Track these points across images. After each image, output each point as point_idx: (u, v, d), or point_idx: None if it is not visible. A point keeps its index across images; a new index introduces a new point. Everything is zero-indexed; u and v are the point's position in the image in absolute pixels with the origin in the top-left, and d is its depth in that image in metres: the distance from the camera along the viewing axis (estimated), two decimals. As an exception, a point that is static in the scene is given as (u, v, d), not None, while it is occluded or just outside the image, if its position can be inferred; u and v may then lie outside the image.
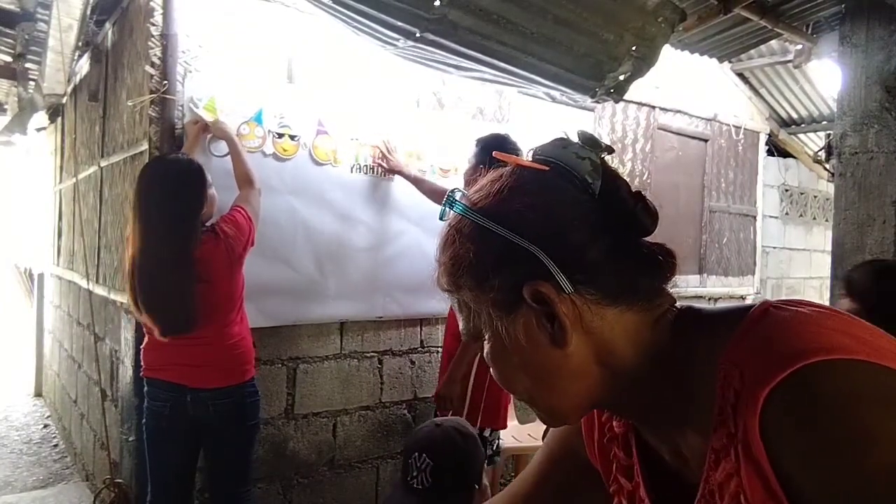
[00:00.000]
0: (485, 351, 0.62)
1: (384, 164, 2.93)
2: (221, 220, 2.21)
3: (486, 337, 0.62)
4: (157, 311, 2.07)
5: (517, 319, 0.58)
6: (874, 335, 0.51)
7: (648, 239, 0.61)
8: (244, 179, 2.34)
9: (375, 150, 2.93)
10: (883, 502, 0.44)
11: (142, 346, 2.24)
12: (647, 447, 0.66)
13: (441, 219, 0.63)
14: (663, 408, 0.59)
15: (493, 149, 2.58)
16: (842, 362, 0.47)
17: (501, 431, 2.72)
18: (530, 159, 0.62)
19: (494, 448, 2.66)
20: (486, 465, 2.64)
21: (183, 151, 2.35)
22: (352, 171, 2.88)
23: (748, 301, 4.97)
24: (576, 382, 0.59)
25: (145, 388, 2.21)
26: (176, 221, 2.07)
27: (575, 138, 0.62)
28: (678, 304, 0.62)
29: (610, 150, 0.62)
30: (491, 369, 0.63)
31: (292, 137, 2.71)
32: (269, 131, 2.65)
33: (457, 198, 0.61)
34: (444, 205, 0.62)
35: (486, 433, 2.58)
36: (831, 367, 0.47)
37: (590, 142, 0.61)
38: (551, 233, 0.57)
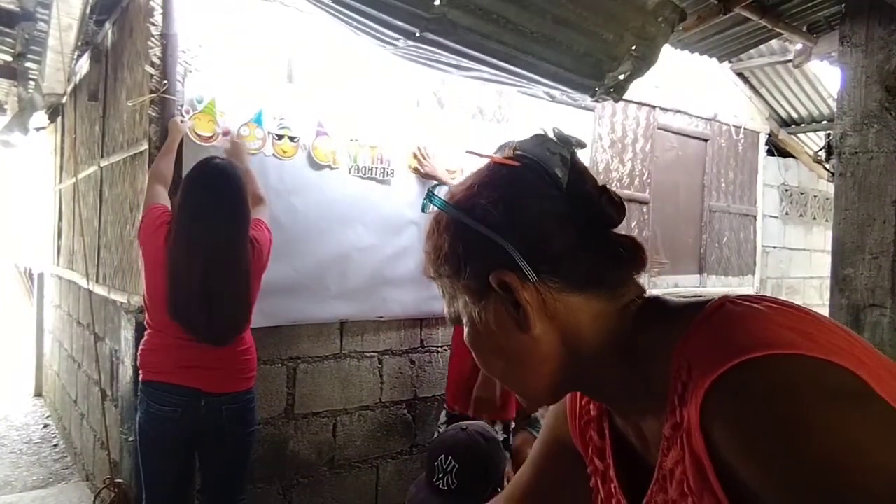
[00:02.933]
0: (464, 335, 0.67)
1: (420, 169, 3.04)
2: (252, 228, 2.21)
3: (464, 322, 0.66)
4: (210, 316, 2.03)
5: (488, 306, 0.62)
6: (825, 331, 0.51)
7: (624, 231, 0.65)
8: (257, 198, 2.36)
9: (412, 156, 3.05)
10: (818, 494, 0.45)
11: (141, 348, 2.15)
12: (619, 431, 0.69)
13: (423, 211, 0.67)
14: (627, 394, 0.62)
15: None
16: (780, 357, 0.48)
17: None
18: (510, 153, 0.66)
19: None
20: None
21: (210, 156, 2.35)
22: (349, 173, 2.88)
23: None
24: (544, 365, 0.63)
25: (144, 393, 2.10)
26: (234, 227, 2.08)
27: (552, 135, 0.66)
28: (646, 294, 0.65)
29: (581, 145, 0.66)
30: (472, 353, 0.67)
31: (292, 139, 2.71)
32: (269, 133, 2.65)
33: (435, 192, 0.66)
34: (425, 199, 0.66)
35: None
36: (769, 361, 0.48)
37: (562, 138, 0.65)
38: (517, 224, 0.60)
